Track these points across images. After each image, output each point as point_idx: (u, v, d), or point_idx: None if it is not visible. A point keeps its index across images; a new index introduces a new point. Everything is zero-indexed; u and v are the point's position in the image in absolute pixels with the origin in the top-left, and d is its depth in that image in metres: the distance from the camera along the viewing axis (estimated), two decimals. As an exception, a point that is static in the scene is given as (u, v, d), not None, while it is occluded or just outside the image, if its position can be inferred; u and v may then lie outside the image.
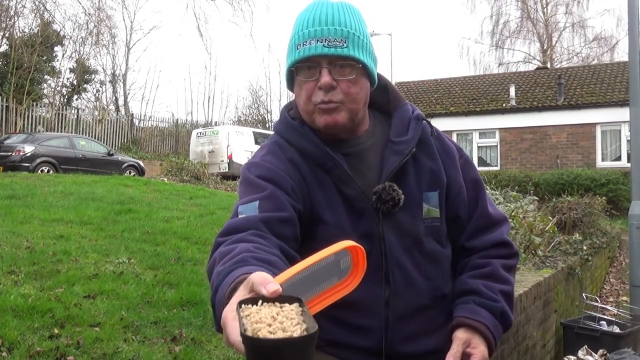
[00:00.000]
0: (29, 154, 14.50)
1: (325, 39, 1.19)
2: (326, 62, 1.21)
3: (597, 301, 5.87)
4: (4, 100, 19.20)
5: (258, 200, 1.16)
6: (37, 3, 21.74)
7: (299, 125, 1.29)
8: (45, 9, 22.07)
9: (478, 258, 1.35)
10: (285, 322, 0.72)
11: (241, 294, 0.79)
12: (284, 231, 1.14)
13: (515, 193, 7.82)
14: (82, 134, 20.02)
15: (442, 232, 1.33)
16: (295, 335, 0.70)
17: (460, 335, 1.25)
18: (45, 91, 23.28)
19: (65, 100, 23.61)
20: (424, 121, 1.36)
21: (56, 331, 3.13)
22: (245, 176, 1.26)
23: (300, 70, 1.23)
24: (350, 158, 1.27)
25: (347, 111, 1.23)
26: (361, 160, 1.28)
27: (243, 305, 0.75)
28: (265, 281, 0.77)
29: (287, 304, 0.76)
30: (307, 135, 1.27)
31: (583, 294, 6.13)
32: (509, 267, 1.36)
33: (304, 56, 1.20)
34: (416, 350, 1.28)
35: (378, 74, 1.35)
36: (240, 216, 1.15)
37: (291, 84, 1.28)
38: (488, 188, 7.78)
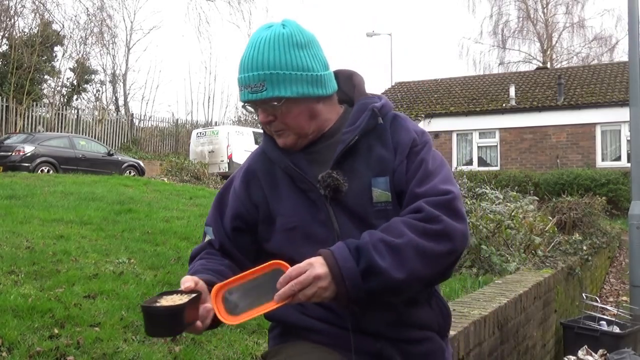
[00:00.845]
0: (29, 154, 14.50)
1: (249, 86, 1.36)
2: (258, 103, 1.38)
3: (597, 301, 5.87)
4: (4, 100, 19.20)
5: (212, 226, 1.52)
6: (37, 3, 21.77)
7: (265, 134, 1.49)
8: (46, 8, 22.10)
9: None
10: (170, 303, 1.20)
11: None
12: (230, 248, 1.49)
13: (515, 193, 7.82)
14: (82, 134, 20.02)
15: (393, 214, 1.36)
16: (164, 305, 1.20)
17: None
18: (45, 91, 23.30)
19: (65, 100, 23.61)
20: (377, 115, 1.42)
21: (56, 331, 3.13)
22: (224, 185, 1.58)
23: (249, 107, 1.43)
24: (312, 155, 1.42)
25: (293, 134, 1.40)
26: (322, 155, 1.40)
27: (163, 295, 1.24)
28: (184, 281, 1.27)
29: (192, 294, 1.23)
30: (268, 142, 1.47)
31: (583, 294, 6.13)
32: (413, 225, 1.27)
33: (242, 100, 1.40)
34: (380, 322, 1.36)
35: (351, 74, 1.51)
36: (206, 238, 1.54)
37: None
38: (488, 188, 7.78)
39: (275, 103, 1.36)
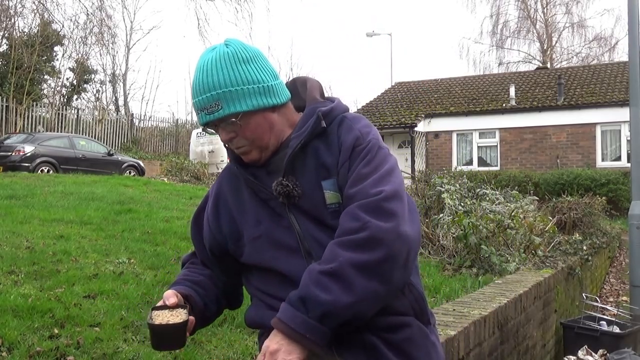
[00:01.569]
0: (29, 154, 14.49)
1: (205, 108, 1.40)
2: (217, 123, 1.42)
3: (597, 301, 5.88)
4: (4, 100, 19.20)
5: (194, 242, 1.63)
6: (37, 3, 21.77)
7: (230, 151, 1.52)
8: (46, 8, 22.09)
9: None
10: (172, 318, 1.37)
11: (160, 302, 1.44)
12: (209, 264, 1.60)
13: (515, 193, 7.82)
14: (82, 134, 20.01)
15: None
16: (171, 322, 1.35)
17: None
18: (45, 91, 23.30)
19: (65, 100, 23.61)
20: (320, 119, 1.43)
21: (56, 331, 3.13)
22: (198, 208, 1.65)
23: (209, 130, 1.47)
24: (270, 165, 1.46)
25: (255, 149, 1.44)
26: (277, 165, 1.44)
27: (154, 311, 1.39)
28: (167, 296, 1.43)
29: (179, 309, 1.40)
30: (232, 158, 1.52)
31: (583, 294, 6.13)
32: (344, 242, 1.27)
33: (201, 124, 1.44)
34: None
35: (305, 79, 1.55)
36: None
37: None
38: (489, 188, 7.78)
39: (234, 119, 1.39)
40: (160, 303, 1.43)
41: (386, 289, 1.27)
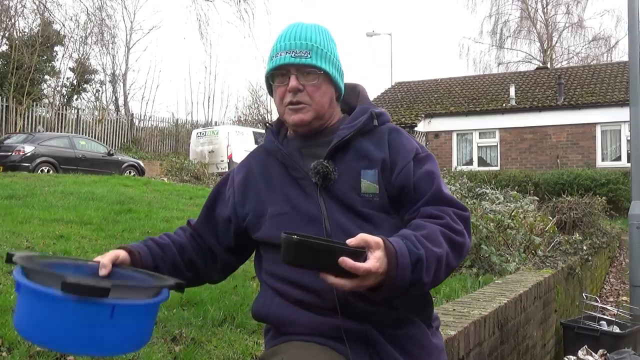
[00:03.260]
0: (29, 154, 14.49)
1: (293, 51, 1.46)
2: (294, 69, 1.46)
3: (597, 301, 5.87)
4: (4, 100, 19.20)
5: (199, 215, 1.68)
6: (37, 3, 21.75)
7: (268, 129, 1.62)
8: (46, 8, 22.08)
9: (419, 219, 1.41)
10: None
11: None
12: (202, 233, 1.64)
13: (515, 192, 7.82)
14: (82, 134, 20.00)
15: (379, 204, 1.46)
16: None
17: (371, 240, 1.25)
18: (45, 91, 23.30)
19: (65, 100, 23.61)
20: (373, 118, 1.53)
21: (56, 331, 3.13)
22: (221, 179, 1.71)
23: (274, 77, 1.50)
24: (306, 149, 1.52)
25: (312, 111, 1.48)
26: (318, 149, 1.50)
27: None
28: (103, 264, 1.37)
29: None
30: (269, 136, 1.59)
31: (583, 294, 6.13)
32: (447, 237, 1.36)
33: (275, 65, 1.47)
34: (365, 302, 1.39)
35: (355, 85, 1.64)
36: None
37: (270, 90, 1.56)
38: (489, 188, 7.78)
39: (316, 71, 1.46)
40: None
41: (448, 273, 1.40)
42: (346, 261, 1.17)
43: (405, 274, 1.25)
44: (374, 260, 1.21)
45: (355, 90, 1.63)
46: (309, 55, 1.45)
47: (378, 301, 1.36)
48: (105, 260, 1.37)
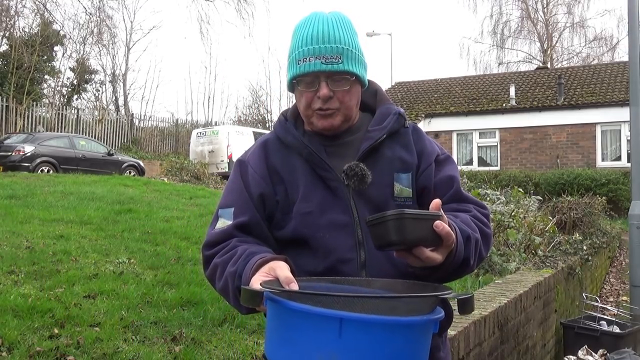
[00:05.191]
0: (29, 154, 14.49)
1: (323, 56, 1.36)
2: (324, 76, 1.37)
3: (597, 301, 5.87)
4: (4, 100, 19.20)
5: (233, 207, 1.43)
6: (37, 3, 21.76)
7: (284, 122, 1.51)
8: (46, 8, 22.08)
9: (452, 209, 1.43)
10: None
11: (262, 272, 1.17)
12: (252, 231, 1.41)
13: (517, 189, 7.80)
14: (82, 134, 20.00)
15: (411, 208, 1.42)
16: None
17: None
18: (45, 91, 23.30)
19: (65, 100, 23.61)
20: (404, 119, 1.52)
21: (56, 331, 3.13)
22: (232, 173, 1.51)
23: (301, 82, 1.40)
24: (332, 147, 1.45)
25: (342, 115, 1.42)
26: (343, 148, 1.45)
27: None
28: (288, 281, 1.12)
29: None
30: (289, 130, 1.48)
31: (583, 294, 6.13)
32: (479, 226, 1.39)
33: (304, 72, 1.37)
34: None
35: (370, 80, 1.54)
36: (219, 221, 1.43)
37: (292, 89, 1.46)
38: (489, 189, 7.78)
39: (348, 77, 1.39)
40: (263, 272, 1.19)
41: (480, 262, 1.43)
42: (443, 225, 1.16)
43: (461, 249, 1.26)
44: (449, 227, 1.21)
45: (371, 87, 1.56)
46: (340, 61, 1.36)
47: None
48: (289, 274, 1.16)
